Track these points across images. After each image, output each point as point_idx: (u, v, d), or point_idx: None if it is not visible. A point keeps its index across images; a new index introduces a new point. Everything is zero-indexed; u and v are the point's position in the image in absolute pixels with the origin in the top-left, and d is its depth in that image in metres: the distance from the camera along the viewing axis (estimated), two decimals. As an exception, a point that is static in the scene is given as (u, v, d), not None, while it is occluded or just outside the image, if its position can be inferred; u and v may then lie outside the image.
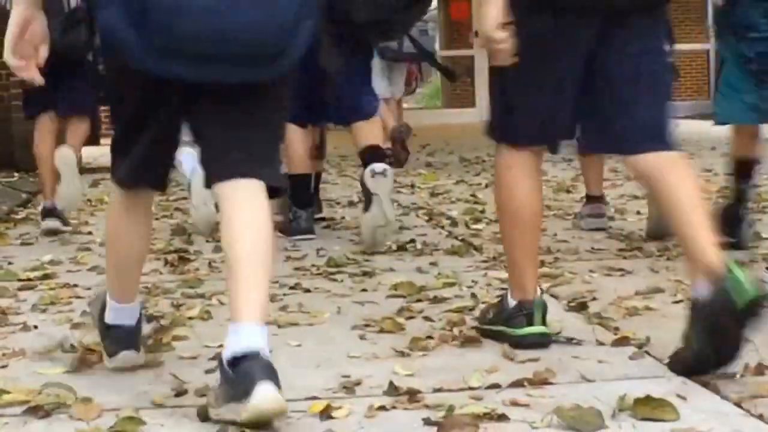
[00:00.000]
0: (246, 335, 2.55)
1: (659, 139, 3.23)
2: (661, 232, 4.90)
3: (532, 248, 3.30)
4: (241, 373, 2.49)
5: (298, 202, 5.60)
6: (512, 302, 3.26)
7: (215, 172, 2.76)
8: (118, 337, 3.06)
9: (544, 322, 3.22)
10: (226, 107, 2.71)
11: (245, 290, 2.61)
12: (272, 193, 2.76)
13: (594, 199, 5.74)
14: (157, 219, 6.53)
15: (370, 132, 5.43)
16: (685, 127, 13.44)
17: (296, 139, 5.54)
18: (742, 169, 4.82)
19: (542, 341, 3.18)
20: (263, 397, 2.44)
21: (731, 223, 4.63)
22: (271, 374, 2.49)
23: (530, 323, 3.20)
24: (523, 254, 3.27)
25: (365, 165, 5.20)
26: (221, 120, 2.73)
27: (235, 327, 2.58)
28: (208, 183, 2.81)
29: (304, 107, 5.37)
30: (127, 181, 2.90)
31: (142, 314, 3.14)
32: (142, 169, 2.85)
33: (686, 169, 3.21)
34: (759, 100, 4.47)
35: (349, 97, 5.41)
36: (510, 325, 3.23)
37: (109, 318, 3.08)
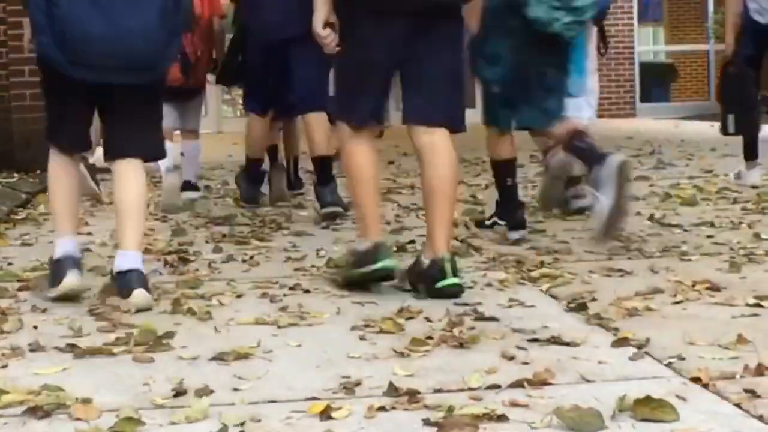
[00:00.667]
0: (128, 258, 4.01)
1: (445, 121, 4.18)
2: (551, 203, 5.98)
3: (373, 200, 4.21)
4: (123, 281, 3.96)
5: (250, 178, 7.03)
6: (426, 261, 4.07)
7: (109, 152, 4.24)
8: (63, 266, 4.03)
9: (455, 274, 3.97)
10: (119, 100, 4.11)
11: (129, 227, 4.08)
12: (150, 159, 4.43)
13: (576, 180, 6.06)
14: (156, 219, 6.54)
15: (318, 125, 6.40)
16: (685, 128, 13.45)
17: (255, 127, 6.78)
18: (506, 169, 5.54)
19: (456, 291, 3.94)
20: (136, 295, 3.87)
21: (505, 208, 5.48)
22: (143, 282, 3.94)
23: (444, 276, 3.94)
24: (368, 203, 4.17)
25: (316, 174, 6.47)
26: (115, 109, 4.17)
27: (122, 252, 4.05)
28: (106, 158, 4.27)
29: (262, 99, 6.62)
30: (56, 142, 4.22)
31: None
32: (65, 134, 4.20)
33: (447, 157, 4.18)
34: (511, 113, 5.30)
35: (302, 89, 6.32)
36: (425, 279, 4.01)
37: (56, 253, 4.11)
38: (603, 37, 7.15)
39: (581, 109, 6.26)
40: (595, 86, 6.88)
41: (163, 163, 6.67)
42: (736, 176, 7.60)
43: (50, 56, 3.94)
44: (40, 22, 3.91)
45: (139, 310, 3.80)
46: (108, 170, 4.44)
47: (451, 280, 3.96)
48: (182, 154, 7.39)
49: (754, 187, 7.19)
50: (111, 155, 4.21)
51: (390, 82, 4.25)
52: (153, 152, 4.36)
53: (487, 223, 5.69)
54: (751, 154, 7.54)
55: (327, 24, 4.15)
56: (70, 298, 4.00)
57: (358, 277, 4.11)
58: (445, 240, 4.09)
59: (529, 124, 5.45)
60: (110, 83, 4.00)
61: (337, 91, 4.43)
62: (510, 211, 5.42)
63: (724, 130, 7.72)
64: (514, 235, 5.31)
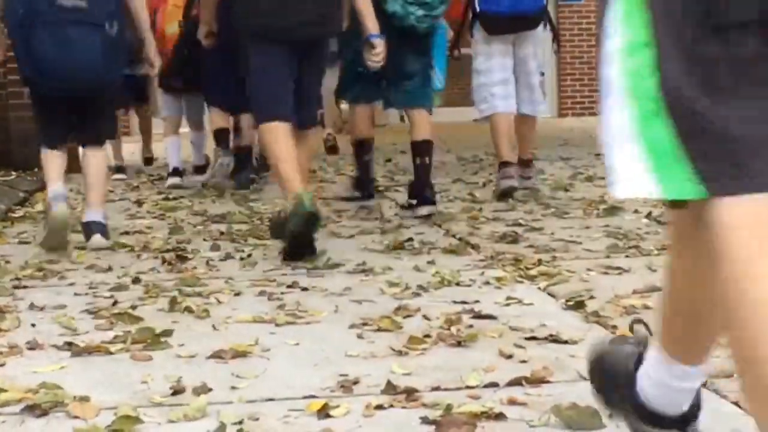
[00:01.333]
0: (92, 213, 5.46)
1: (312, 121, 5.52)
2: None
3: (294, 173, 5.02)
4: (87, 229, 5.43)
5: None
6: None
7: (81, 142, 5.84)
8: (54, 202, 5.32)
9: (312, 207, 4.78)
10: (82, 107, 5.56)
11: (94, 191, 5.52)
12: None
13: (505, 164, 6.87)
14: (154, 218, 6.54)
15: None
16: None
17: (216, 120, 8.04)
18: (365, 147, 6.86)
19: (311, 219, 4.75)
20: (94, 239, 5.36)
21: (361, 180, 6.93)
22: (102, 230, 5.43)
23: (302, 207, 4.71)
24: (288, 169, 5.03)
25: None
26: (81, 113, 5.58)
27: (88, 210, 5.51)
28: (78, 143, 5.99)
29: (224, 96, 7.77)
30: (47, 142, 5.58)
31: None
32: (51, 136, 5.59)
33: (307, 143, 5.50)
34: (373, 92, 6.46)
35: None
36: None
37: (48, 194, 5.50)
38: (556, 38, 7.84)
39: (536, 105, 7.07)
40: (539, 83, 7.22)
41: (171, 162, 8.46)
42: None
43: (31, 79, 5.47)
44: (21, 56, 5.44)
45: (95, 249, 5.27)
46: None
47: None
48: (192, 142, 9.09)
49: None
50: (81, 144, 5.85)
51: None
52: (108, 137, 6.00)
53: (405, 205, 6.40)
54: None
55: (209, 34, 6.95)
56: (60, 224, 5.19)
57: (293, 227, 4.74)
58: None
59: (394, 105, 6.71)
60: (72, 95, 5.51)
61: (253, 92, 5.40)
62: (367, 184, 6.94)
63: None
64: (423, 210, 6.10)
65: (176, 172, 8.52)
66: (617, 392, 2.23)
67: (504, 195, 6.77)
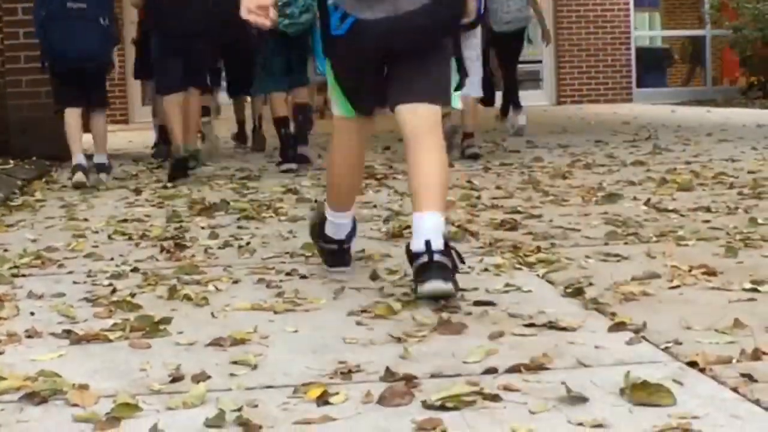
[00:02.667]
0: (99, 157, 7.98)
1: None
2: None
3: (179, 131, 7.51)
4: (97, 168, 8.00)
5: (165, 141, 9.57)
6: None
7: (88, 106, 8.14)
8: (76, 168, 7.84)
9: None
10: (85, 78, 7.97)
11: (99, 143, 8.19)
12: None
13: (468, 135, 9.20)
14: (152, 206, 6.54)
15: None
16: (681, 113, 13.45)
17: (171, 106, 8.55)
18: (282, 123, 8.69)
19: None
20: (99, 176, 7.97)
21: (284, 150, 8.64)
22: (106, 169, 8.07)
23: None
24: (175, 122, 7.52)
25: None
26: (86, 83, 7.97)
27: (96, 155, 8.00)
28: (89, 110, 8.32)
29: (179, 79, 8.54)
30: (67, 103, 7.97)
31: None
32: (68, 99, 8.01)
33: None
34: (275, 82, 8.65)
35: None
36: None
37: (73, 162, 7.94)
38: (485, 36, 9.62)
39: (470, 89, 8.47)
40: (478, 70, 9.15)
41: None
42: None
43: (51, 61, 8.02)
44: (44, 46, 8.00)
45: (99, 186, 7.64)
46: None
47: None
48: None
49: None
50: (89, 107, 8.17)
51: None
52: (105, 103, 8.33)
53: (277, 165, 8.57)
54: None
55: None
56: (78, 186, 7.57)
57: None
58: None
59: (289, 87, 8.73)
60: (79, 70, 7.94)
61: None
62: (282, 150, 8.64)
63: None
64: (284, 166, 8.47)
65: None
66: (316, 235, 4.34)
67: (470, 157, 8.96)
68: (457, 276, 3.67)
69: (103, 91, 8.26)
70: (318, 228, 4.32)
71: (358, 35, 3.85)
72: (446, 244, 3.65)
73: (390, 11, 3.82)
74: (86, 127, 8.25)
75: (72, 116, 7.99)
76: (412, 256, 3.67)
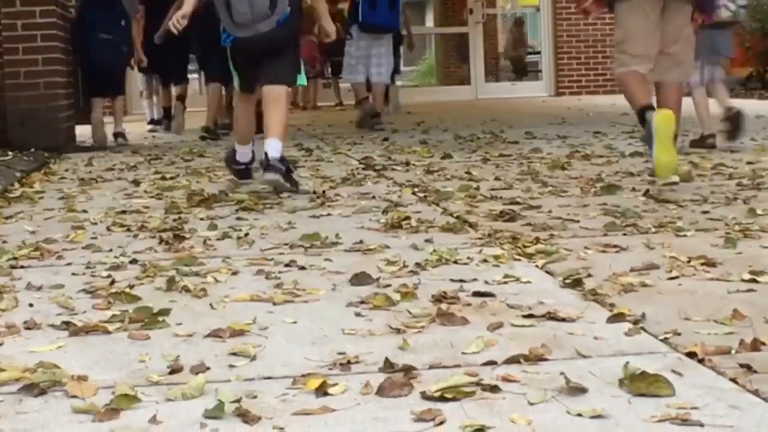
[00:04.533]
0: (118, 127, 11.34)
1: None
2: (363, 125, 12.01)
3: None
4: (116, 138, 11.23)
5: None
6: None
7: (114, 95, 11.41)
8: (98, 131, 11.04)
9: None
10: (111, 75, 11.26)
11: (118, 118, 11.46)
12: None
13: (377, 114, 12.10)
14: (151, 197, 6.54)
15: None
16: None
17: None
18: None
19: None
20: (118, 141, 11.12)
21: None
22: (125, 137, 11.33)
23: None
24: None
25: None
26: (113, 79, 11.30)
27: (116, 125, 11.29)
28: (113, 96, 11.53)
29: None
30: (97, 94, 11.21)
31: None
32: (100, 91, 11.22)
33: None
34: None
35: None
36: None
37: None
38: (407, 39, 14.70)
39: (380, 77, 12.31)
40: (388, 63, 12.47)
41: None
42: None
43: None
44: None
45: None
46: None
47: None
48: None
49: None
50: (113, 95, 11.24)
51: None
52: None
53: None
54: None
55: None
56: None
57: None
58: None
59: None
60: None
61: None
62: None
63: None
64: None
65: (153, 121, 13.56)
66: (230, 161, 7.14)
67: (378, 131, 11.42)
68: (457, 267, 3.68)
69: (123, 85, 11.83)
70: (231, 156, 7.20)
71: (236, 45, 6.79)
72: (282, 157, 6.51)
73: (252, 32, 6.64)
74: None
75: (99, 104, 11.24)
76: (261, 163, 6.60)
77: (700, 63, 8.26)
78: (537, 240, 4.56)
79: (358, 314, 3.40)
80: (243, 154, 7.09)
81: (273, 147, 6.42)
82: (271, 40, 6.60)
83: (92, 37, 10.67)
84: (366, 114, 11.86)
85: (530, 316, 3.29)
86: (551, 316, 3.26)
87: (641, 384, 2.52)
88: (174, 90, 13.03)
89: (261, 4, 6.60)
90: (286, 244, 4.69)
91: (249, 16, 6.61)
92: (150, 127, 13.35)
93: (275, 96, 6.62)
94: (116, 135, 11.13)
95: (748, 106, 10.82)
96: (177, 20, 6.71)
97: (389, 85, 13.56)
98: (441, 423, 2.34)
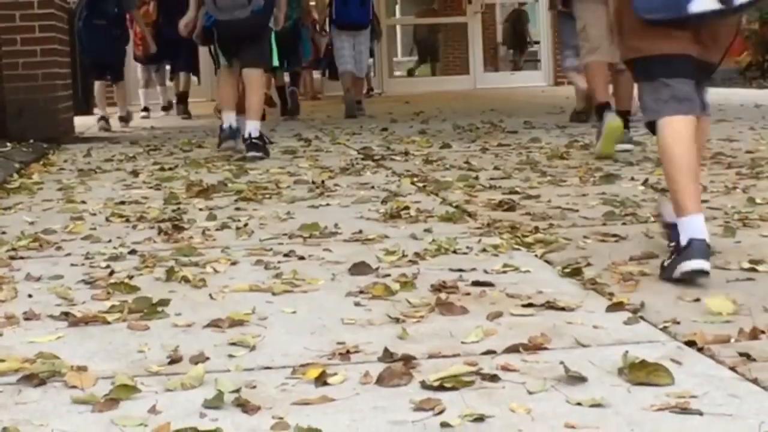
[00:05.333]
0: (120, 110, 12.87)
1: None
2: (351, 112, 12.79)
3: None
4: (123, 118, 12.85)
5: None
6: None
7: (113, 81, 12.60)
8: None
9: None
10: (109, 64, 12.41)
11: (120, 103, 12.85)
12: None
13: (359, 102, 13.15)
14: (150, 188, 6.53)
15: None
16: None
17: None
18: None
19: None
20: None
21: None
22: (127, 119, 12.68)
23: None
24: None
25: None
26: (110, 68, 12.39)
27: (119, 107, 12.86)
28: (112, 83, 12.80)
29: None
30: (98, 77, 12.52)
31: None
32: (101, 74, 12.44)
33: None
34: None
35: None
36: None
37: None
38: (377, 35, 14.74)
39: (361, 70, 13.38)
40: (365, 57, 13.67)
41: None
42: None
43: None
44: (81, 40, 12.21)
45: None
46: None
47: None
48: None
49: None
50: (113, 81, 12.34)
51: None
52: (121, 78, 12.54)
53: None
54: None
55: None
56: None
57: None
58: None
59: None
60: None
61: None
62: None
63: None
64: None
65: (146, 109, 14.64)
66: (220, 132, 8.71)
67: (352, 116, 12.51)
68: (456, 257, 3.82)
69: (122, 71, 12.69)
70: (220, 128, 8.66)
71: (217, 27, 8.10)
72: (260, 135, 8.06)
73: (230, 17, 7.94)
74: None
75: (101, 88, 12.53)
76: (243, 141, 8.05)
77: (568, 51, 9.52)
78: (536, 229, 4.56)
79: (357, 304, 3.40)
80: (227, 117, 8.51)
81: (253, 127, 8.01)
82: (245, 26, 8.01)
83: (87, 22, 11.92)
84: (349, 104, 12.82)
85: (529, 305, 3.29)
86: (550, 306, 3.26)
87: (640, 373, 2.52)
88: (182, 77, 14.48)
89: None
90: (285, 234, 4.69)
91: (229, 3, 7.94)
92: (143, 114, 14.38)
93: (253, 79, 8.18)
94: (121, 119, 12.46)
95: (747, 95, 10.83)
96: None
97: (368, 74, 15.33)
98: (440, 412, 2.34)
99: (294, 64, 13.26)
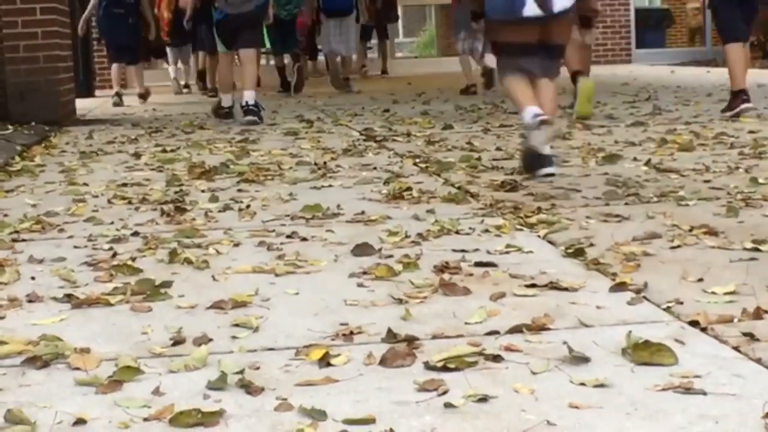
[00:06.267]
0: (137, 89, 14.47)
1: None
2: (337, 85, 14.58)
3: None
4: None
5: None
6: None
7: (129, 63, 14.15)
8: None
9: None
10: (126, 50, 13.93)
11: (137, 84, 14.23)
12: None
13: (347, 79, 14.72)
14: (152, 170, 6.53)
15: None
16: (681, 73, 13.42)
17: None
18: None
19: None
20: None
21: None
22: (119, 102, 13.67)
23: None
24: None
25: None
26: (127, 53, 13.99)
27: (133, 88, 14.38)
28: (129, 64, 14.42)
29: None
30: (116, 61, 13.99)
31: None
32: (117, 57, 13.94)
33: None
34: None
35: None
36: None
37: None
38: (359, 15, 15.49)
39: (349, 50, 14.75)
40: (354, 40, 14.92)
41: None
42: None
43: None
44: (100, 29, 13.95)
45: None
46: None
47: None
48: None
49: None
50: (130, 63, 13.96)
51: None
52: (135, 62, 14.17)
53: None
54: None
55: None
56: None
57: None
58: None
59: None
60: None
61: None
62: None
63: None
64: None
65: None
66: (217, 107, 10.19)
67: (340, 87, 14.50)
68: (459, 237, 3.81)
69: (137, 56, 14.14)
70: (218, 105, 10.10)
71: (226, 19, 9.48)
72: (256, 103, 9.44)
73: (238, 11, 9.40)
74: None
75: (117, 70, 14.04)
76: (241, 107, 9.49)
77: (462, 35, 11.96)
78: (539, 210, 4.56)
79: (360, 285, 3.40)
80: (226, 99, 10.04)
81: (249, 95, 9.48)
82: (247, 18, 9.56)
83: (107, 12, 13.41)
84: (334, 78, 14.96)
85: (532, 285, 3.29)
86: (553, 286, 3.26)
87: (644, 353, 2.52)
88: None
89: None
90: (287, 216, 4.69)
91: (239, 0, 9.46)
92: (186, 90, 16.07)
93: (250, 57, 9.65)
94: (140, 95, 13.94)
95: (750, 75, 10.75)
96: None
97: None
98: (444, 393, 2.34)
99: (292, 45, 14.61)
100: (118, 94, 13.56)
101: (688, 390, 2.31)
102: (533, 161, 5.57)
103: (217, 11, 9.58)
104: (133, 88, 14.62)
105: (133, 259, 3.88)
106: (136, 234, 4.37)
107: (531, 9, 5.62)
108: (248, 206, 4.96)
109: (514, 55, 5.77)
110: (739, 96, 8.40)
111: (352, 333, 2.83)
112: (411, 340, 2.72)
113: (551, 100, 5.90)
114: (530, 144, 5.59)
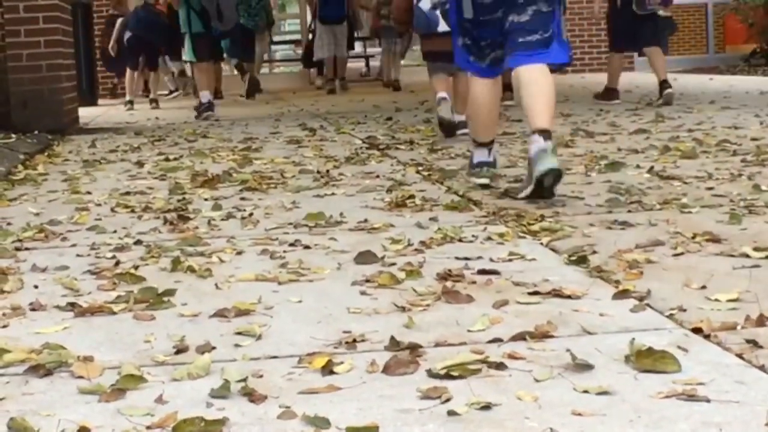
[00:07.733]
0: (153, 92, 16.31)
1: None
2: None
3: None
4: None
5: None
6: None
7: (150, 68, 16.14)
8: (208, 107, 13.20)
9: None
10: (149, 52, 15.76)
11: (153, 88, 15.79)
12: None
13: (342, 77, 17.30)
14: (155, 178, 6.53)
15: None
16: (683, 81, 13.44)
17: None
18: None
19: None
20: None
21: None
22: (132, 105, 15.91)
23: None
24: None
25: None
26: (148, 54, 15.93)
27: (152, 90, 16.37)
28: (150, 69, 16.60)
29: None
30: (132, 67, 15.44)
31: None
32: (134, 63, 15.52)
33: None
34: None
35: None
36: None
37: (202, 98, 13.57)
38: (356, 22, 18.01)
39: (342, 53, 16.82)
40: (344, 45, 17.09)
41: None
42: None
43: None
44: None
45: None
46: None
47: None
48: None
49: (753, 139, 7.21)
50: (150, 69, 15.89)
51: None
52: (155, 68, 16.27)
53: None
54: None
55: None
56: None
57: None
58: None
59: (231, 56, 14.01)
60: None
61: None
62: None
63: None
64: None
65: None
66: (199, 108, 12.04)
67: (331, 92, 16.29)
68: (462, 245, 3.93)
69: (157, 61, 16.14)
70: (199, 104, 11.70)
71: (216, 35, 12.06)
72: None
73: (226, 28, 11.79)
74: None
75: (132, 76, 15.37)
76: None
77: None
78: (542, 217, 4.56)
79: (363, 293, 3.40)
80: (205, 95, 11.87)
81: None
82: (230, 33, 12.19)
83: (142, 18, 15.26)
84: (328, 80, 16.90)
85: (535, 293, 3.28)
86: (556, 293, 3.26)
87: (647, 360, 2.52)
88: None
89: (231, 14, 11.89)
90: (290, 224, 4.69)
91: (227, 20, 11.59)
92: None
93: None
94: (151, 101, 15.10)
95: (752, 82, 10.80)
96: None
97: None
98: (447, 400, 2.34)
99: (249, 55, 16.25)
100: (131, 102, 14.76)
101: (691, 397, 2.30)
102: (448, 128, 8.08)
103: (211, 30, 11.79)
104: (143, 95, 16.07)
105: (136, 268, 3.88)
106: (139, 242, 4.37)
107: (443, 26, 7.67)
108: (251, 214, 4.96)
109: (433, 60, 8.27)
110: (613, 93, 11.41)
111: (355, 341, 2.83)
112: (414, 348, 2.72)
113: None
114: (440, 115, 8.12)
